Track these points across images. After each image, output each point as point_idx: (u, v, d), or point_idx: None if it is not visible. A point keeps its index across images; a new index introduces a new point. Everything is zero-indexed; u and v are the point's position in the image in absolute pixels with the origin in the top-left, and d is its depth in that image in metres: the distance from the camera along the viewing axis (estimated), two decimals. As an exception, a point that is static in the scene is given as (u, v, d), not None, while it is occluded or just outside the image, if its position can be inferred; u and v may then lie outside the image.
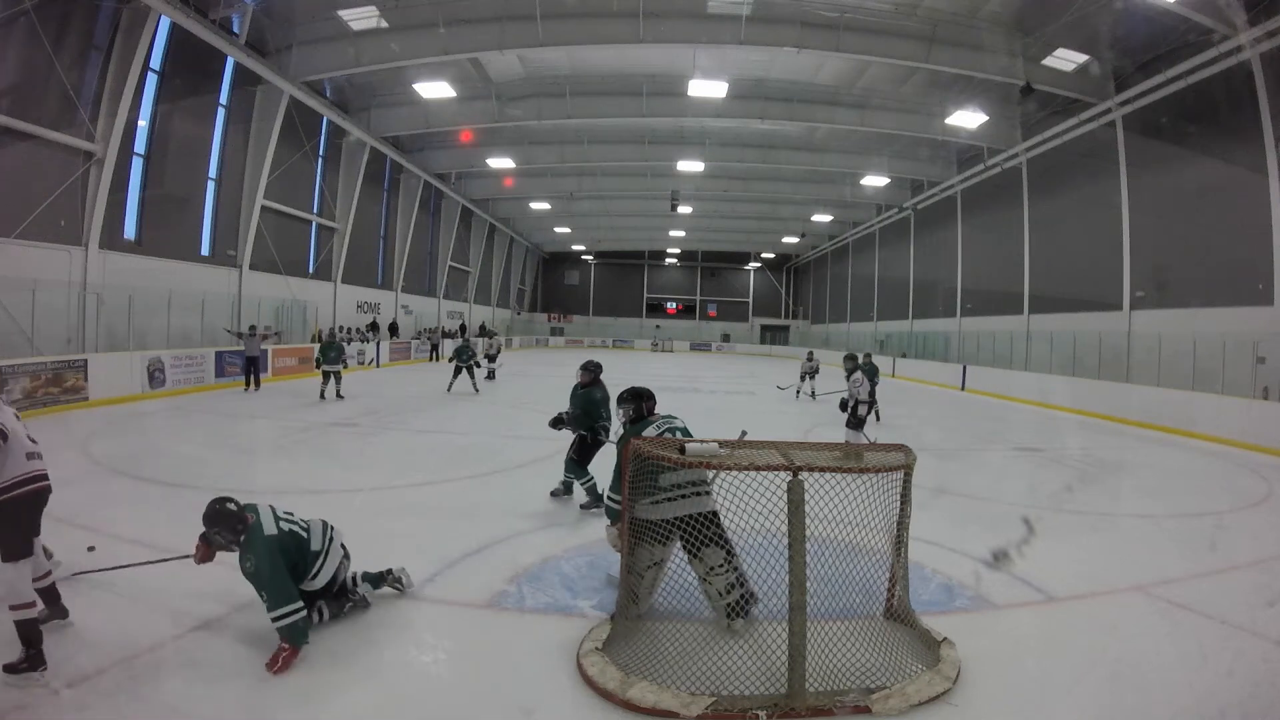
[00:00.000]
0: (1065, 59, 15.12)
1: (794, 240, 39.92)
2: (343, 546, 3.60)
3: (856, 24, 14.67)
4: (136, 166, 13.84)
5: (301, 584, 3.28)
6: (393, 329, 25.58)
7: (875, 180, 25.30)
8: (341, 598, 3.53)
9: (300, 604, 3.11)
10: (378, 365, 21.81)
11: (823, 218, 32.43)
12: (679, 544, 3.52)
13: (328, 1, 14.95)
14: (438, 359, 24.65)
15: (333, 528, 3.58)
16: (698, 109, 19.14)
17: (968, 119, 17.92)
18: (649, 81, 18.68)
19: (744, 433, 4.99)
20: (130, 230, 13.93)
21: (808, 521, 2.98)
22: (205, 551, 3.26)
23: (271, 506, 3.40)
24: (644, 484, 3.40)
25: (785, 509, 2.98)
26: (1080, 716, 2.94)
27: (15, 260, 11.01)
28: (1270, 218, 11.94)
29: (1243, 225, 12.67)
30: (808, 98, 19.09)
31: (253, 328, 14.08)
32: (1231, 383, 12.20)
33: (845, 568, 3.36)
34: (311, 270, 20.79)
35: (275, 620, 3.03)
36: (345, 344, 14.52)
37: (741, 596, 3.49)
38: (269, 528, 3.23)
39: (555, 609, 3.83)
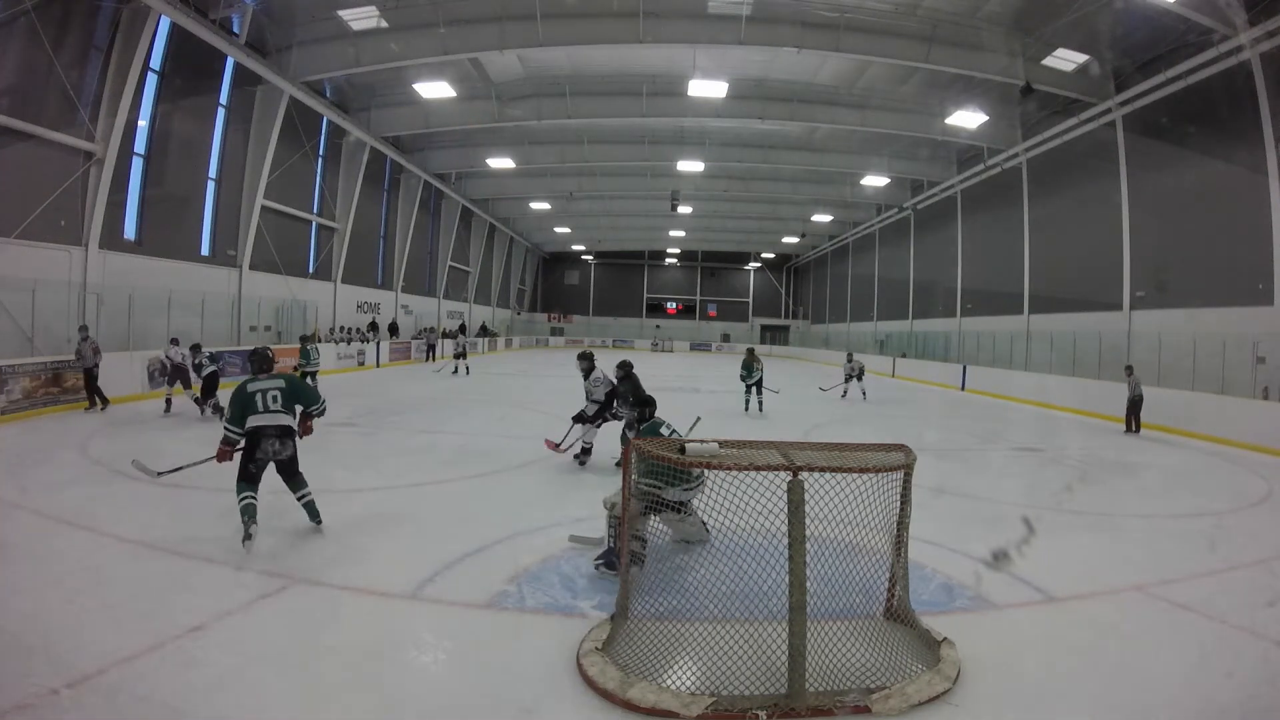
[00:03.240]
0: (1065, 59, 15.12)
1: (794, 240, 39.93)
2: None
3: (856, 24, 14.67)
4: (136, 166, 13.84)
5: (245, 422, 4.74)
6: (393, 329, 25.59)
7: (875, 180, 25.30)
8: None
9: (238, 430, 4.72)
10: (378, 365, 21.81)
11: (823, 218, 32.43)
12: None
13: (328, 1, 14.95)
14: (434, 359, 24.76)
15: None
16: (698, 109, 19.13)
17: (968, 119, 17.92)
18: (649, 81, 18.69)
19: (698, 419, 6.39)
20: (130, 230, 13.93)
21: (808, 521, 2.99)
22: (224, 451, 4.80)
23: (262, 383, 4.79)
24: (681, 473, 3.88)
25: (785, 509, 2.99)
26: (1080, 716, 2.94)
27: (15, 260, 11.02)
28: (1270, 218, 11.95)
29: (1243, 225, 12.68)
30: (808, 98, 19.09)
31: (84, 329, 10.67)
32: (1231, 383, 12.20)
33: (845, 568, 3.37)
34: (311, 270, 20.79)
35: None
36: (315, 347, 14.52)
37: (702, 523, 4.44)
38: (250, 386, 4.76)
39: (555, 609, 3.83)
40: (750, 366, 13.05)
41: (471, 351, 32.00)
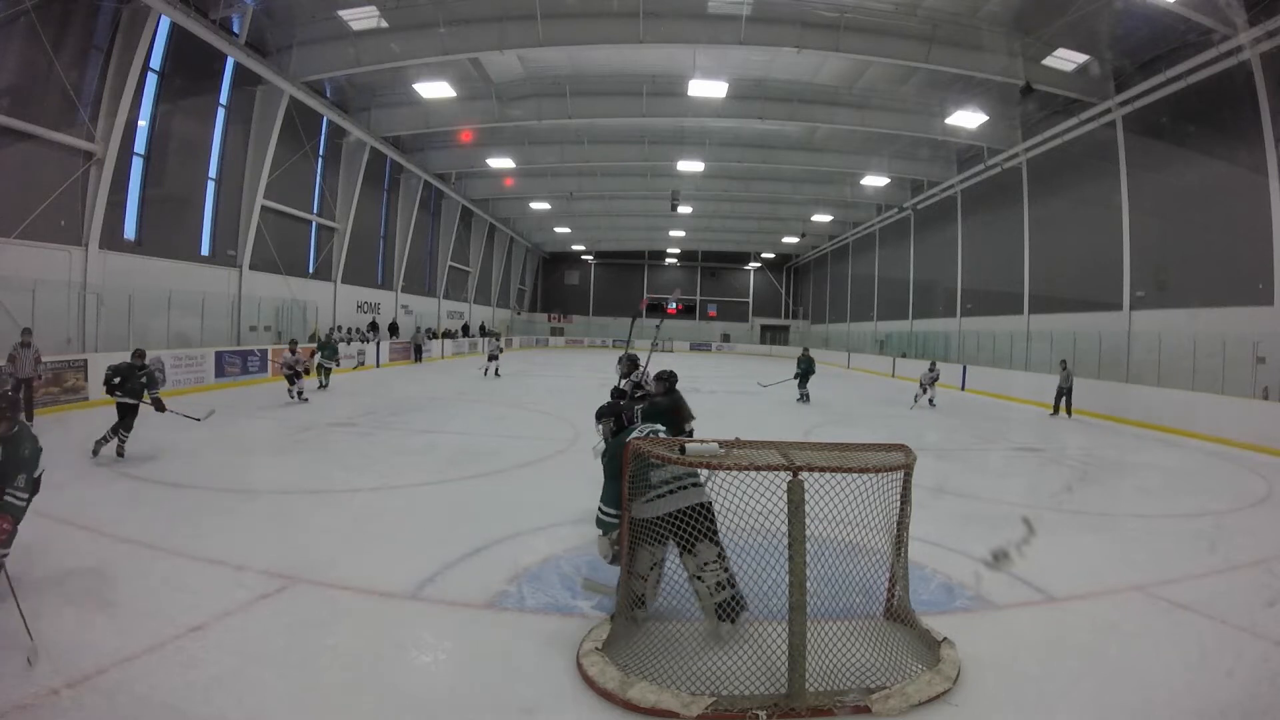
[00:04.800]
0: (1065, 59, 15.10)
1: (794, 240, 39.90)
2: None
3: (856, 24, 14.66)
4: (136, 166, 13.83)
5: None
6: (393, 329, 25.59)
7: (875, 180, 25.29)
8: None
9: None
10: (378, 365, 21.81)
11: (823, 218, 32.42)
12: (673, 540, 3.51)
13: (328, 1, 14.94)
14: (420, 360, 24.75)
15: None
16: (698, 109, 19.12)
17: (968, 119, 17.92)
18: (649, 81, 18.67)
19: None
20: (130, 230, 13.92)
21: (808, 521, 2.99)
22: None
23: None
24: (638, 484, 3.43)
25: (785, 509, 2.99)
26: (1080, 716, 2.94)
27: (15, 260, 11.01)
28: (1270, 218, 11.94)
29: (1243, 225, 12.67)
30: (808, 98, 19.08)
31: (27, 332, 9.34)
32: (1231, 383, 12.20)
33: (845, 568, 3.36)
34: (311, 270, 20.78)
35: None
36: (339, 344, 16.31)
37: (731, 598, 3.43)
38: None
39: (555, 609, 3.83)
40: (808, 364, 15.81)
41: (472, 351, 32.14)
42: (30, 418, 8.71)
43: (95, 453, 7.17)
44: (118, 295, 12.89)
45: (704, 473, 3.48)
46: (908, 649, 3.28)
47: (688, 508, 3.43)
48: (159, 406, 7.75)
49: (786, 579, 2.96)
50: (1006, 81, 15.54)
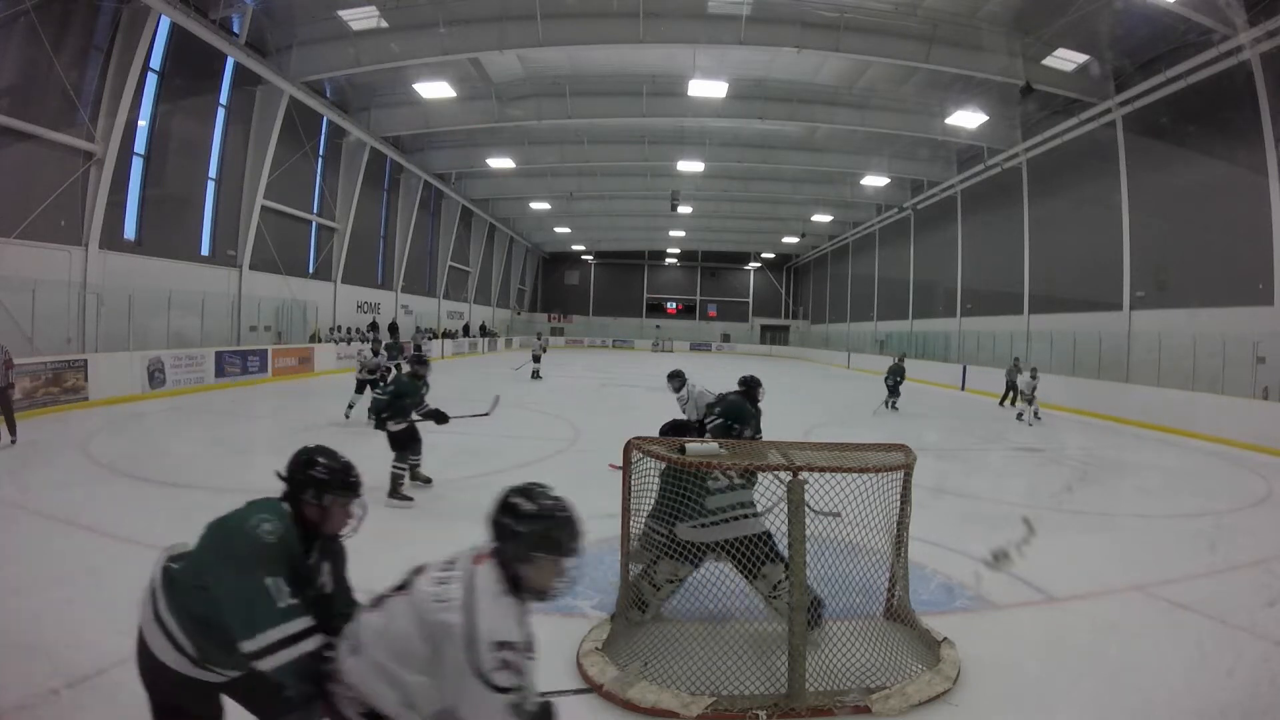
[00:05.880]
0: (1065, 59, 15.12)
1: (794, 240, 39.91)
2: None
3: (856, 24, 14.67)
4: (136, 166, 13.83)
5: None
6: (393, 329, 25.59)
7: (875, 180, 25.30)
8: None
9: None
10: (378, 365, 21.77)
11: (823, 218, 32.42)
12: (731, 567, 3.42)
13: (328, 1, 14.94)
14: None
15: None
16: (698, 109, 19.13)
17: (968, 119, 17.92)
18: (649, 81, 18.68)
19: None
20: (130, 230, 13.92)
21: (808, 521, 2.99)
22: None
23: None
24: (690, 506, 3.37)
25: (785, 509, 2.99)
26: (1080, 716, 2.94)
27: (15, 260, 11.01)
28: (1270, 218, 11.95)
29: (1243, 225, 12.68)
30: (808, 98, 19.08)
31: None
32: (1231, 383, 12.20)
33: (845, 568, 3.36)
34: (311, 270, 20.78)
35: None
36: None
37: (811, 605, 3.31)
38: None
39: (555, 609, 3.81)
40: (900, 374, 15.14)
41: (472, 351, 32.13)
42: (12, 427, 7.68)
43: (404, 497, 5.93)
44: (118, 295, 12.89)
45: (762, 504, 3.41)
46: (908, 649, 3.28)
47: (746, 538, 3.33)
48: (439, 418, 6.23)
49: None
50: (1006, 81, 15.55)
